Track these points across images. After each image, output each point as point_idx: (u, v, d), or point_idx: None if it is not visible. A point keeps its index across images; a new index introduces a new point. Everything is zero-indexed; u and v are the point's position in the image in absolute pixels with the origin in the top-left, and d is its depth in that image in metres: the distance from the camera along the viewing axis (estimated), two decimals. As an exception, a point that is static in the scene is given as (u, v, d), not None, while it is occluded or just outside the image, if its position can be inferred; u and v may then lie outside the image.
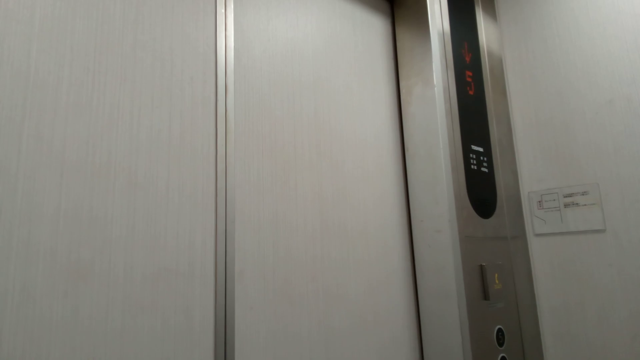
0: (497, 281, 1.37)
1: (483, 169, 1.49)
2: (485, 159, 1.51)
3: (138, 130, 0.92)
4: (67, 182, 0.80)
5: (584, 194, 1.47)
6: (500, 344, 1.34)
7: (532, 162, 1.62)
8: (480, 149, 1.50)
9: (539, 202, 1.58)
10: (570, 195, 1.51)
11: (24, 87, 0.79)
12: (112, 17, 0.92)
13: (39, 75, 0.81)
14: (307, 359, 1.10)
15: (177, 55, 1.01)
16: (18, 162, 0.76)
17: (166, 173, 0.94)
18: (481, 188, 1.45)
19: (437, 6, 1.50)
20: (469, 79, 1.55)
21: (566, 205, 1.51)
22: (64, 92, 0.83)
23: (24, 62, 0.79)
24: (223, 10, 1.12)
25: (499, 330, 1.35)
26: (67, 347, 0.75)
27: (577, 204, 1.49)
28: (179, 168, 0.96)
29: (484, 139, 1.54)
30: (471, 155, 1.45)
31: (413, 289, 1.42)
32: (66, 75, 0.84)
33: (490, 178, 1.50)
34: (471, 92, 1.54)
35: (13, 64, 0.78)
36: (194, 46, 1.04)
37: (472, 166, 1.44)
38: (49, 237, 0.77)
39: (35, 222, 0.76)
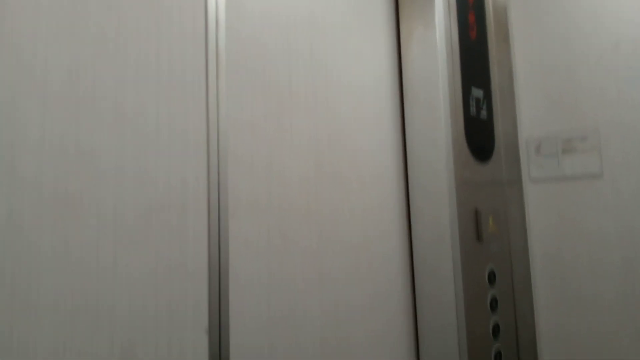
0: (491, 224, 1.38)
1: (482, 114, 1.46)
2: (485, 103, 1.48)
3: (124, 61, 0.88)
4: (51, 111, 0.77)
5: (583, 139, 1.45)
6: (491, 283, 1.36)
7: (532, 108, 1.59)
8: (481, 93, 1.47)
9: (537, 147, 1.57)
10: (568, 140, 1.49)
11: (1, 7, 0.74)
12: (93, -62, 0.86)
13: (16, -4, 0.76)
14: (301, 298, 1.12)
15: (165, -17, 0.95)
16: (-2, 88, 0.72)
17: (155, 108, 0.91)
18: (479, 132, 1.42)
19: (440, -58, 1.42)
20: (471, 21, 1.49)
21: (564, 151, 1.50)
22: (44, 15, 0.78)
23: (-1, -19, 0.74)
24: (213, -63, 1.05)
25: (491, 269, 1.36)
26: (58, 277, 0.75)
27: (575, 149, 1.47)
28: (168, 103, 0.93)
29: (485, 83, 1.50)
30: (471, 99, 1.42)
31: (407, 234, 1.42)
32: (45, -1, 0.79)
33: (489, 122, 1.48)
34: (473, 35, 1.49)
35: (-13, -17, 0.73)
36: (182, -26, 0.99)
37: (472, 110, 1.41)
38: (33, 166, 0.74)
39: (18, 151, 0.73)
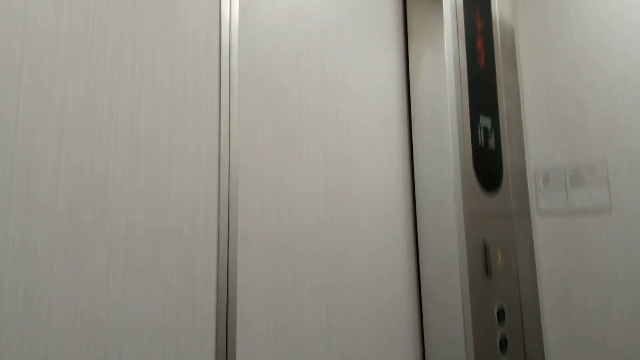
0: (499, 258, 1.37)
1: (490, 143, 1.46)
2: (492, 132, 1.48)
3: (140, 86, 0.88)
4: (67, 138, 0.77)
5: (591, 171, 1.46)
6: (501, 321, 1.34)
7: (539, 138, 1.60)
8: (489, 122, 1.47)
9: (545, 178, 1.57)
10: (577, 172, 1.49)
11: (21, 35, 0.74)
12: (113, -35, 0.86)
13: (37, 23, 0.76)
14: (308, 322, 1.11)
15: (180, 9, 0.96)
16: (17, 115, 0.72)
17: (168, 132, 0.91)
18: (487, 162, 1.43)
19: (451, -30, 1.44)
20: (480, 48, 1.50)
21: (572, 183, 1.50)
22: (63, 43, 0.78)
23: (21, 9, 0.75)
24: (230, -36, 1.05)
25: (500, 306, 1.35)
26: (68, 305, 0.74)
27: (583, 181, 1.47)
28: (181, 128, 0.93)
29: (493, 111, 1.50)
30: (479, 128, 1.42)
31: (415, 264, 1.41)
32: (65, 26, 0.79)
33: (496, 152, 1.48)
34: (481, 62, 1.50)
35: (9, 9, 0.73)
36: (198, 2, 0.99)
37: (480, 139, 1.41)
38: (49, 193, 0.74)
39: (35, 178, 0.73)
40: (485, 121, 1.46)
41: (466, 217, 1.30)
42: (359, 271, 1.25)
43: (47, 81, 0.76)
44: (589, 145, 1.46)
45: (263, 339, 1.01)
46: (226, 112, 1.01)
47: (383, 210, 1.35)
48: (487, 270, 1.32)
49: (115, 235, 0.81)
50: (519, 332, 1.41)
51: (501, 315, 1.34)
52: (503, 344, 1.33)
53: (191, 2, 0.98)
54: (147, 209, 0.86)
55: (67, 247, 0.75)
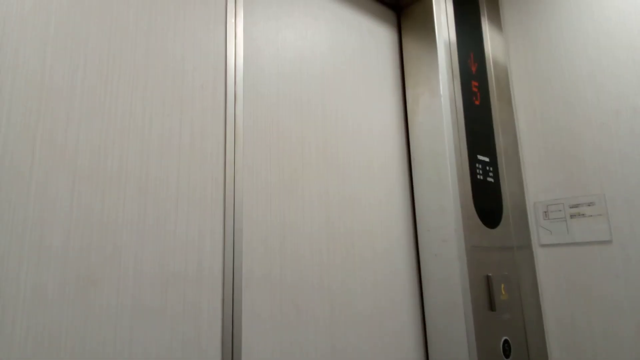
0: (503, 292, 1.37)
1: (489, 179, 1.49)
2: (491, 168, 1.51)
3: (149, 136, 0.92)
4: (79, 187, 0.81)
5: (590, 204, 1.47)
6: (507, 356, 1.33)
7: (537, 172, 1.63)
8: (486, 159, 1.51)
9: (545, 212, 1.58)
10: (576, 206, 1.51)
11: (38, 92, 0.80)
12: (125, 25, 0.93)
13: (54, 80, 0.82)
14: (313, 357, 1.10)
15: (188, 63, 1.02)
16: (31, 167, 0.76)
17: (176, 179, 0.95)
18: (487, 198, 1.45)
19: (443, 17, 1.52)
20: (475, 89, 1.56)
21: (572, 216, 1.51)
22: (77, 98, 0.84)
23: (39, 67, 0.81)
24: (233, 20, 1.13)
25: (505, 341, 1.34)
26: (76, 347, 0.76)
27: (583, 214, 1.49)
28: (188, 174, 0.97)
29: (490, 148, 1.54)
30: (477, 165, 1.46)
31: (419, 300, 1.41)
32: (79, 81, 0.85)
33: (496, 188, 1.51)
34: (477, 102, 1.55)
35: (28, 68, 0.79)
36: (204, 54, 1.06)
37: (478, 176, 1.45)
38: (60, 241, 0.77)
39: (47, 226, 0.76)
40: (483, 158, 1.50)
41: (468, 252, 1.31)
42: (363, 305, 1.26)
43: (61, 134, 0.81)
44: (587, 180, 1.49)
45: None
46: (231, 156, 1.05)
47: (385, 247, 1.37)
48: (492, 304, 1.32)
49: (123, 281, 0.83)
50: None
51: (507, 348, 1.32)
52: (510, 378, 1.31)
53: (199, 55, 1.04)
54: (154, 252, 0.88)
55: (77, 290, 0.78)
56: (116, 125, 0.88)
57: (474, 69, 1.59)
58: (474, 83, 1.56)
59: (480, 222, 1.40)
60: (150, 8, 0.98)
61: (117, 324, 0.81)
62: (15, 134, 0.76)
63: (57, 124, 0.81)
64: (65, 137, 0.81)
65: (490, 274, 1.36)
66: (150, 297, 0.86)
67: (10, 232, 0.72)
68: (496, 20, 1.78)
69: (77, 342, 0.76)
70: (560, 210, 1.54)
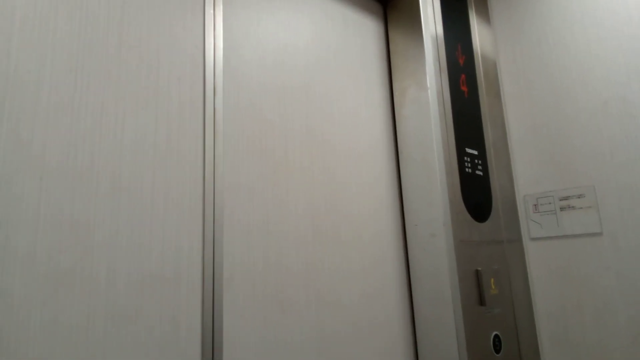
0: (493, 286, 1.35)
1: (478, 172, 1.47)
2: (479, 162, 1.49)
3: (122, 133, 0.89)
4: (47, 185, 0.77)
5: (579, 196, 1.46)
6: (497, 351, 1.31)
7: (527, 165, 1.61)
8: (475, 152, 1.48)
9: (535, 205, 1.56)
10: (566, 199, 1.49)
11: (3, 86, 0.76)
12: (96, 18, 0.90)
13: (19, 74, 0.78)
14: (299, 367, 1.07)
15: (164, 57, 0.99)
16: (-6, 165, 0.73)
17: (151, 177, 0.91)
18: (476, 191, 1.43)
19: (430, 9, 1.49)
20: (462, 82, 1.53)
21: (562, 209, 1.49)
22: (45, 93, 0.80)
23: (3, 60, 0.77)
24: (212, 11, 1.09)
25: (496, 336, 1.32)
26: (44, 355, 0.72)
27: (573, 207, 1.47)
28: (165, 172, 0.94)
29: (479, 142, 1.52)
30: (466, 158, 1.43)
31: (408, 295, 1.39)
32: (47, 76, 0.81)
33: (485, 181, 1.48)
34: (465, 95, 1.52)
35: (-9, 63, 0.75)
36: (181, 47, 1.02)
37: (467, 169, 1.42)
38: (27, 241, 0.73)
39: (13, 227, 0.72)
40: (472, 151, 1.47)
41: (457, 246, 1.29)
42: (351, 313, 1.23)
43: (27, 130, 0.77)
44: (576, 173, 1.47)
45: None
46: (210, 151, 1.02)
47: (371, 240, 1.34)
48: (481, 299, 1.30)
49: (95, 282, 0.80)
50: (516, 361, 1.37)
51: (498, 343, 1.30)
52: (500, 374, 1.29)
53: (175, 47, 1.01)
54: (129, 255, 0.85)
55: (45, 295, 0.74)
56: (87, 122, 0.84)
57: (461, 61, 1.56)
58: (462, 76, 1.54)
59: (469, 216, 1.37)
60: (122, -1, 0.94)
61: (90, 329, 0.78)
62: (-23, 130, 0.72)
63: (23, 120, 0.77)
64: (32, 133, 0.77)
65: (479, 269, 1.34)
66: (125, 298, 0.82)
67: (-28, 234, 0.69)
68: (484, 12, 1.76)
69: (46, 348, 0.72)
70: (550, 203, 1.52)
